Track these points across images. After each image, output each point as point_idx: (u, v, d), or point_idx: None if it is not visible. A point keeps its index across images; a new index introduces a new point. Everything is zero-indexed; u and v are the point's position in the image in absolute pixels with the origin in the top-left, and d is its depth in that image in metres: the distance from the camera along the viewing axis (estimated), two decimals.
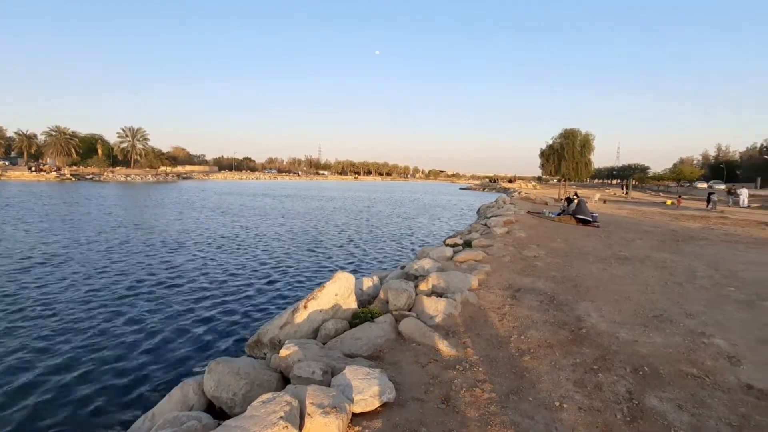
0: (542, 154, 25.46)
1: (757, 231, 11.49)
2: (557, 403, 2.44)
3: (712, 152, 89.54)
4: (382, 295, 4.62)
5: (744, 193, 22.36)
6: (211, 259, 9.18)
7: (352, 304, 4.35)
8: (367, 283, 5.33)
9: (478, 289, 4.85)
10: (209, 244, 11.03)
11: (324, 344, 3.52)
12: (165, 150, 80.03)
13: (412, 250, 11.30)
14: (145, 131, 68.42)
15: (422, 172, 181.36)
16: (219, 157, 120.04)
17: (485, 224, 11.86)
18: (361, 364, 2.83)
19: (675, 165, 75.71)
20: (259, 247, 10.90)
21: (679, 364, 3.00)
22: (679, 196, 28.67)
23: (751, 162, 65.41)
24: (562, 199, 21.02)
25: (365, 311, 4.14)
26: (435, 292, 4.73)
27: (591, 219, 12.04)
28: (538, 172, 29.50)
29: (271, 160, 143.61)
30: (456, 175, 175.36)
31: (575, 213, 12.51)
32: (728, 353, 3.19)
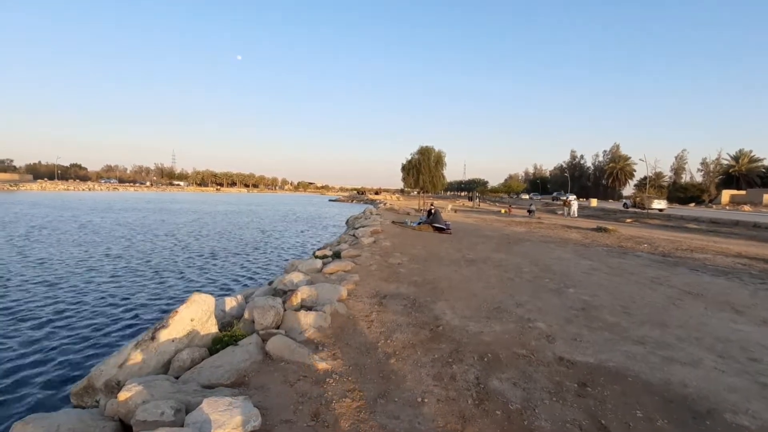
0: (403, 168, 27.56)
1: (563, 233, 14.50)
2: (419, 399, 2.64)
3: (531, 170, 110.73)
4: (247, 315, 4.33)
5: (575, 205, 27.70)
6: (25, 290, 7.32)
7: (211, 328, 3.96)
8: (230, 303, 4.93)
9: (348, 299, 4.95)
10: (20, 273, 8.78)
11: (177, 378, 3.11)
12: None
13: (282, 264, 10.94)
14: None
15: (291, 184, 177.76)
16: (35, 163, 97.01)
17: (354, 235, 12.21)
18: (222, 394, 2.59)
19: (506, 180, 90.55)
20: (95, 270, 9.13)
21: (513, 347, 3.56)
22: (510, 206, 34.35)
23: (556, 178, 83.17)
24: (422, 210, 23.09)
25: (227, 334, 3.82)
26: (304, 306, 4.65)
27: (445, 227, 13.50)
28: (401, 185, 31.69)
29: (109, 168, 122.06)
30: (325, 187, 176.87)
31: (432, 222, 13.87)
32: (546, 333, 3.92)
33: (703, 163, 65.00)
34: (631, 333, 4.01)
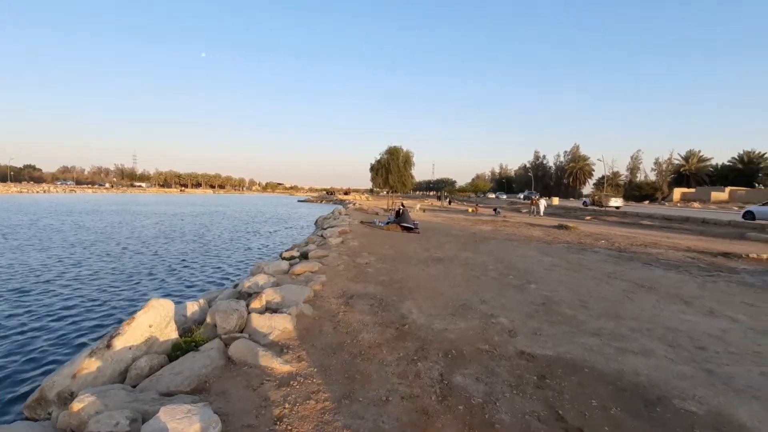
0: (372, 168, 27.61)
1: (526, 231, 14.95)
2: (384, 398, 2.64)
3: (497, 170, 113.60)
4: (209, 319, 4.19)
5: (542, 204, 28.58)
6: None
7: (171, 334, 3.81)
8: (192, 307, 4.76)
9: (314, 300, 4.89)
10: None
11: (135, 387, 2.98)
12: None
13: (250, 266, 10.68)
14: None
15: (259, 185, 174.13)
16: None
17: (322, 235, 12.10)
18: (181, 402, 2.49)
19: (473, 179, 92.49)
20: (54, 276, 8.57)
21: (477, 343, 3.62)
22: (477, 205, 35.08)
23: (521, 177, 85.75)
24: (391, 210, 23.18)
25: (188, 340, 3.68)
26: (269, 309, 4.56)
27: (413, 226, 13.61)
28: (370, 185, 31.72)
29: (66, 170, 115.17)
30: (294, 188, 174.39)
31: (400, 221, 13.95)
32: (508, 328, 4.02)
33: (657, 162, 68.83)
34: (588, 326, 4.18)
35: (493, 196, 69.68)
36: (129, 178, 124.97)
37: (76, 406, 2.39)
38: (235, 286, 6.37)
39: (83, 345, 5.09)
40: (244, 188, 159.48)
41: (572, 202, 48.13)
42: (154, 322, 3.59)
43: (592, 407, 2.58)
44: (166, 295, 7.17)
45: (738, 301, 5.38)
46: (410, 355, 3.33)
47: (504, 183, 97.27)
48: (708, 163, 61.10)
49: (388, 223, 15.06)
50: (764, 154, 53.90)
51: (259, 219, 28.76)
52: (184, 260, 11.45)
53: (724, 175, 56.69)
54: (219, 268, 10.72)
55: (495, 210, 27.25)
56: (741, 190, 47.52)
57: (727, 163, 58.21)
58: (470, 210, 30.30)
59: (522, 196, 59.07)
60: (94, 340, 5.23)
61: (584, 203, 38.40)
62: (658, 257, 9.02)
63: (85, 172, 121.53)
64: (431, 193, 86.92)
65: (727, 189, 48.69)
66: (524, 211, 30.54)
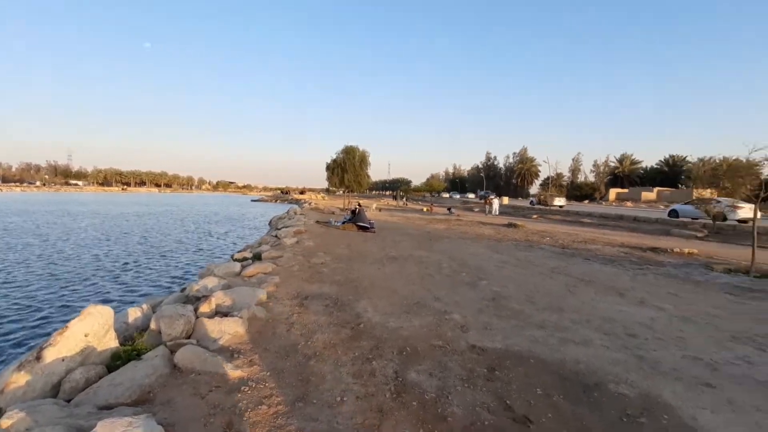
0: (328, 167, 27.31)
1: (478, 229, 15.48)
2: (339, 399, 2.62)
3: (451, 170, 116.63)
4: (153, 326, 3.96)
5: (496, 203, 29.50)
6: None
7: (110, 343, 3.55)
8: (134, 314, 4.47)
9: (267, 302, 4.76)
10: None
11: (70, 401, 2.75)
12: None
13: (199, 269, 10.19)
14: None
15: (209, 184, 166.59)
16: None
17: (276, 235, 11.81)
18: (121, 414, 2.34)
19: (428, 179, 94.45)
20: None
21: (430, 339, 3.70)
22: (432, 204, 35.82)
23: (473, 177, 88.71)
24: (347, 209, 23.07)
25: (129, 349, 3.46)
26: (219, 312, 4.38)
27: (369, 226, 13.64)
28: (326, 184, 31.38)
29: None
30: (247, 187, 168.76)
31: (356, 221, 13.93)
32: (461, 324, 4.15)
33: (595, 165, 74.05)
34: (534, 319, 4.41)
35: (447, 195, 71.55)
36: (63, 175, 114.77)
37: (5, 423, 2.20)
38: (183, 289, 6.06)
39: (12, 357, 4.63)
40: (193, 187, 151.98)
41: (521, 202, 50.48)
42: (91, 330, 3.33)
43: (537, 395, 2.72)
44: (106, 302, 6.69)
45: (664, 292, 5.91)
46: (365, 354, 3.34)
47: (457, 183, 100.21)
48: (639, 165, 66.71)
49: (344, 222, 14.98)
50: (686, 157, 59.63)
51: (210, 219, 27.53)
52: (127, 264, 10.72)
53: (652, 177, 62.10)
54: (166, 271, 10.14)
55: (449, 209, 28.03)
56: (667, 190, 52.25)
57: (655, 166, 63.86)
58: (425, 209, 30.88)
59: (473, 195, 61.14)
60: (24, 352, 4.77)
61: (531, 202, 40.39)
62: (596, 253, 9.68)
63: (13, 169, 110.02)
64: (387, 193, 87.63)
65: (655, 189, 53.38)
66: (476, 210, 31.61)
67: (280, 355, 3.31)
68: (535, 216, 25.10)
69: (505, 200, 45.93)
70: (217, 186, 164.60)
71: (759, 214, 8.44)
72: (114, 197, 64.62)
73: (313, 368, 3.07)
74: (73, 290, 7.86)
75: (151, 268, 10.26)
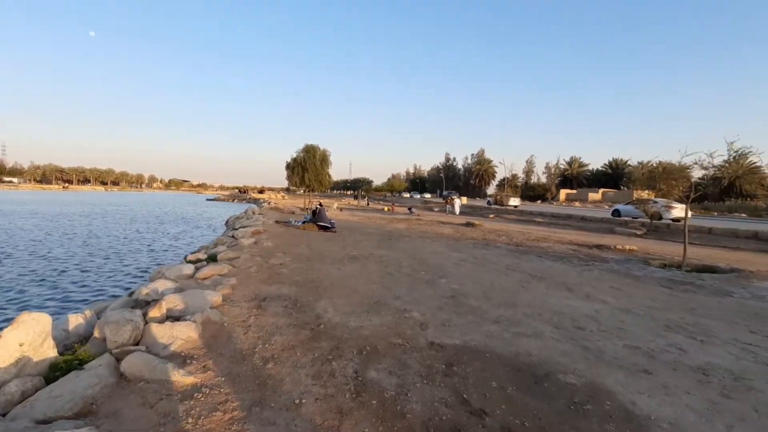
0: (288, 166, 26.76)
1: (437, 228, 15.79)
2: (297, 401, 2.59)
3: (412, 170, 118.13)
4: (97, 333, 3.71)
5: (457, 203, 30.06)
6: None
7: (48, 352, 3.29)
8: (75, 320, 4.17)
9: (223, 305, 4.60)
10: None
11: (5, 415, 2.53)
12: None
13: (150, 272, 9.65)
14: None
15: (161, 182, 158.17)
16: None
17: (233, 236, 11.42)
18: (62, 428, 2.19)
19: (389, 179, 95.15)
20: None
21: (390, 338, 3.73)
22: (393, 204, 36.10)
23: (433, 178, 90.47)
24: (307, 208, 22.73)
25: (69, 358, 3.22)
26: (171, 317, 4.18)
27: (330, 225, 13.53)
28: (286, 183, 30.73)
29: None
30: (202, 186, 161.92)
31: (317, 221, 13.76)
32: (420, 322, 4.22)
33: (547, 167, 77.77)
34: (490, 314, 4.56)
35: (408, 195, 72.42)
36: None
37: None
38: (131, 294, 5.73)
39: None
40: (144, 185, 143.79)
41: (478, 202, 52.06)
42: (26, 339, 3.08)
43: (492, 388, 2.82)
44: (44, 309, 6.16)
45: (607, 286, 6.31)
46: (325, 354, 3.32)
47: (418, 183, 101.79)
48: (587, 168, 70.90)
49: (304, 222, 14.76)
50: (627, 161, 64.04)
51: (162, 219, 26.13)
52: (69, 267, 9.94)
53: (598, 179, 66.23)
54: (113, 275, 9.50)
55: (409, 209, 28.38)
56: (611, 191, 55.90)
57: (601, 169, 68.11)
58: (386, 209, 31.06)
59: (429, 195, 62.40)
60: None
61: (488, 202, 41.75)
62: (548, 250, 10.17)
63: None
64: (349, 192, 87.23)
65: (601, 190, 56.95)
66: (436, 210, 32.21)
67: (236, 359, 3.21)
68: (491, 215, 25.96)
69: (464, 200, 47.17)
70: (170, 184, 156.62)
71: (689, 214, 9.23)
72: (54, 196, 59.67)
73: (270, 371, 3.00)
74: (6, 297, 7.19)
75: (96, 272, 9.59)
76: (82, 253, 11.97)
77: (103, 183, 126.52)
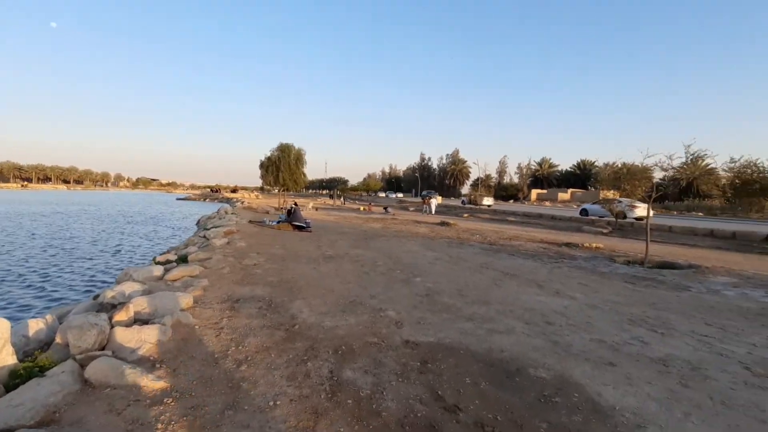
0: (262, 165, 26.27)
1: (413, 228, 15.91)
2: (272, 403, 2.56)
3: (387, 170, 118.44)
4: (59, 339, 3.55)
5: (434, 203, 30.27)
6: None
7: (8, 359, 3.12)
8: (36, 325, 3.96)
9: (194, 307, 4.49)
10: None
11: None
12: None
13: (116, 274, 9.28)
14: None
15: (128, 181, 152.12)
16: None
17: (204, 236, 11.14)
18: None
19: (365, 179, 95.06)
20: None
21: (366, 337, 3.75)
22: (369, 204, 36.10)
23: (409, 177, 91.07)
24: (282, 208, 22.41)
25: (29, 365, 3.06)
26: (139, 320, 4.04)
27: (305, 225, 13.40)
28: (260, 183, 30.17)
29: None
30: (172, 185, 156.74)
31: (292, 220, 13.61)
32: (395, 320, 4.25)
33: (519, 167, 79.46)
34: (463, 312, 4.65)
35: (383, 195, 72.61)
36: None
37: None
38: (96, 297, 5.50)
39: None
40: (109, 184, 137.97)
41: (453, 201, 52.69)
42: None
43: (466, 384, 2.88)
44: (1, 313, 5.82)
45: (576, 283, 6.54)
46: (300, 355, 3.29)
47: (393, 183, 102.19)
48: (556, 168, 73.13)
49: (279, 222, 14.56)
50: (594, 162, 66.39)
51: (130, 219, 25.14)
52: (29, 270, 9.43)
53: (567, 179, 68.42)
54: (77, 278, 9.08)
55: (385, 208, 28.47)
56: (579, 191, 57.84)
57: (570, 169, 70.38)
58: (362, 209, 31.03)
59: (401, 194, 63.00)
60: None
61: (463, 202, 42.37)
62: (520, 248, 10.44)
63: None
64: (324, 192, 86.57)
65: (570, 190, 58.86)
66: (412, 209, 32.43)
67: (208, 362, 3.14)
68: (466, 215, 26.37)
69: (439, 199, 47.71)
70: (138, 183, 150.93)
71: (651, 212, 9.69)
72: (12, 195, 56.43)
73: (244, 373, 2.96)
74: None
75: (58, 275, 9.14)
76: (43, 255, 11.39)
77: (66, 181, 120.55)
